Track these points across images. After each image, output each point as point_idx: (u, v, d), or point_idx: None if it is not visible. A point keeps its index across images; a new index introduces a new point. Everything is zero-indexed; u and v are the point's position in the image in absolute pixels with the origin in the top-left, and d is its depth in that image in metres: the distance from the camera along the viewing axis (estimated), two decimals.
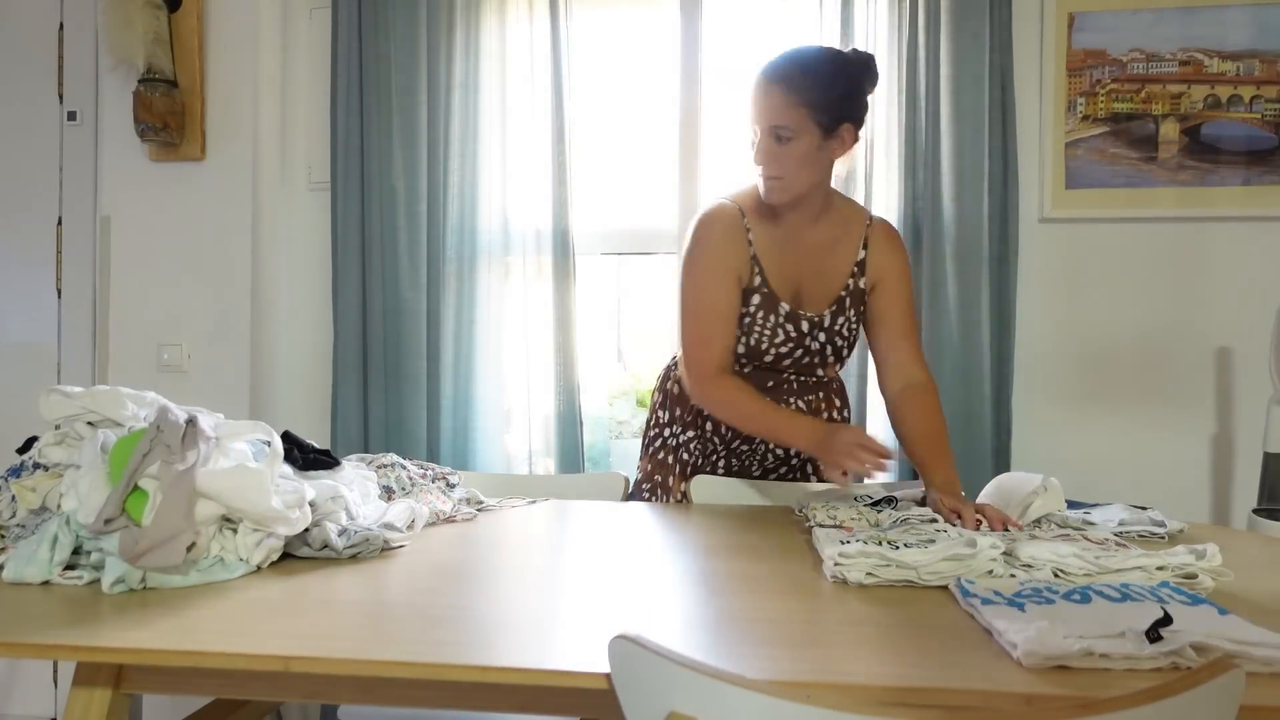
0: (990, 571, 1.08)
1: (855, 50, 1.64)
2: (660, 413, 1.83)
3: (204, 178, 2.49)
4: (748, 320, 1.67)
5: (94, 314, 2.53)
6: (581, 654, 0.84)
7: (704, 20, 2.55)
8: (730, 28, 2.57)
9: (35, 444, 1.23)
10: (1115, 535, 1.27)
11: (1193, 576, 1.06)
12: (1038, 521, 1.37)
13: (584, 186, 2.55)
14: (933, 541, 1.14)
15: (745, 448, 1.77)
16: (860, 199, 2.35)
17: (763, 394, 1.68)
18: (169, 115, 2.40)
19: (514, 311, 2.51)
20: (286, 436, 1.30)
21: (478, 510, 1.55)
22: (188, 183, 2.49)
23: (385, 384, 2.49)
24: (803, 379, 1.75)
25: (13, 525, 1.17)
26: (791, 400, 1.73)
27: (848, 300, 1.71)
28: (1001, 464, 2.30)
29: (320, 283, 2.62)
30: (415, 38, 2.48)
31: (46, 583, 1.07)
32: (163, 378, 2.48)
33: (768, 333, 1.67)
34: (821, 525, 1.34)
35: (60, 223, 2.55)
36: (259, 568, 1.14)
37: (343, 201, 2.51)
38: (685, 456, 1.78)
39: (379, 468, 1.52)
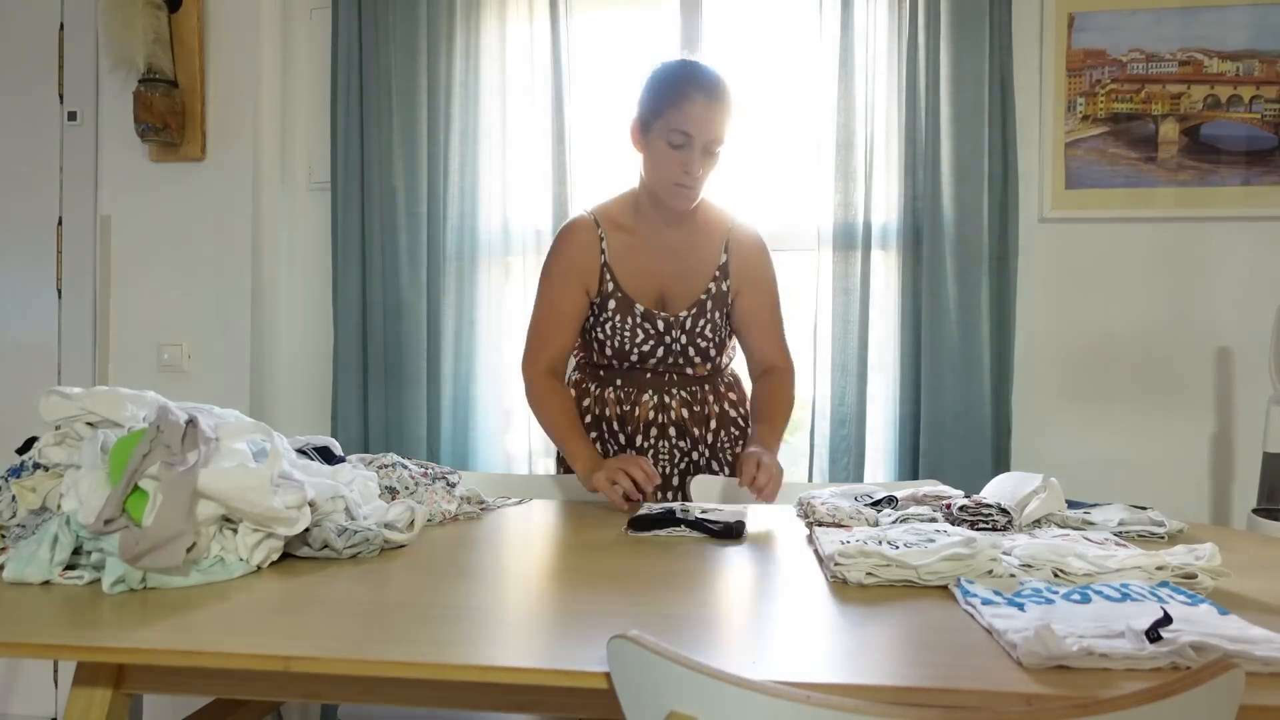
0: (990, 572, 1.08)
1: None
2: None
3: (204, 178, 2.49)
4: (609, 324, 1.76)
5: (94, 314, 2.53)
6: (581, 654, 0.84)
7: (704, 21, 2.55)
8: (730, 28, 2.57)
9: (35, 444, 1.23)
10: (1115, 535, 1.28)
11: (1192, 576, 1.06)
12: (1038, 521, 1.37)
13: (584, 187, 2.55)
14: (932, 541, 1.14)
15: (647, 445, 1.81)
16: (860, 199, 2.35)
17: (645, 388, 1.79)
18: (169, 115, 2.40)
19: (514, 312, 2.51)
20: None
21: (480, 509, 1.55)
22: (188, 183, 2.49)
23: (385, 384, 2.49)
24: (677, 375, 1.81)
25: (13, 525, 1.17)
26: (674, 391, 1.80)
27: (709, 303, 1.77)
28: (1001, 464, 2.30)
29: (320, 283, 2.62)
30: (415, 38, 2.48)
31: (47, 583, 1.07)
32: (163, 378, 2.48)
33: (627, 333, 1.76)
34: (821, 524, 1.34)
35: (60, 223, 2.55)
36: (259, 568, 1.14)
37: (343, 201, 2.51)
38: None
39: (380, 468, 1.52)
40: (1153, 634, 0.82)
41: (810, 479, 2.38)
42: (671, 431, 1.80)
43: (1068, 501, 1.44)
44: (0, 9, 2.56)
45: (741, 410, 1.87)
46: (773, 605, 1.01)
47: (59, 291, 2.55)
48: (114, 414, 1.21)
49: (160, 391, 1.34)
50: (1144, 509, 1.43)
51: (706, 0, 2.54)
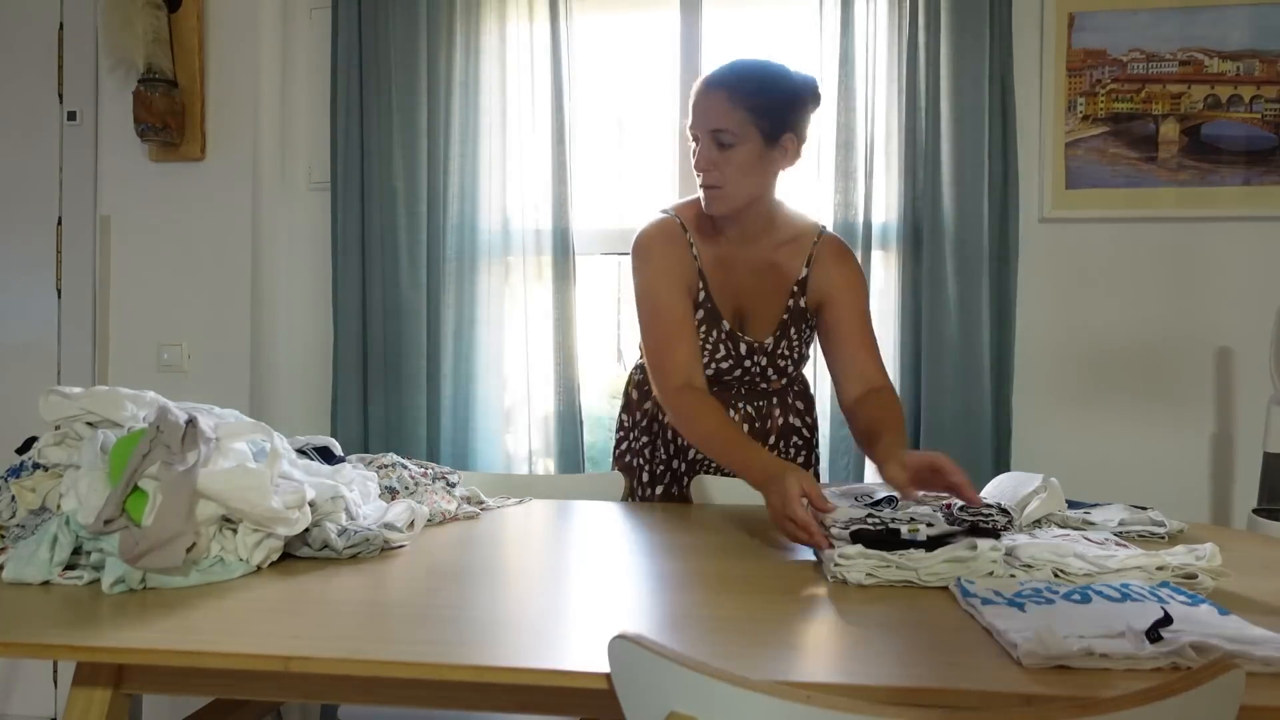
0: (991, 573, 1.08)
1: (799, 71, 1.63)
2: (624, 416, 1.84)
3: (204, 178, 2.49)
4: None
5: (94, 314, 2.53)
6: (581, 654, 0.84)
7: (704, 22, 2.55)
8: (730, 29, 2.57)
9: (35, 444, 1.23)
10: (1115, 535, 1.27)
11: (1193, 576, 1.06)
12: (1038, 521, 1.37)
13: (584, 186, 2.55)
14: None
15: (701, 456, 1.74)
16: (860, 199, 2.35)
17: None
18: (169, 115, 2.40)
19: (514, 311, 2.51)
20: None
21: (480, 509, 1.55)
22: (188, 183, 2.49)
23: (385, 384, 2.49)
24: (749, 387, 1.73)
25: (13, 525, 1.17)
26: (740, 405, 1.71)
27: (789, 323, 1.67)
28: (1001, 464, 2.30)
29: (320, 283, 2.62)
30: (415, 38, 2.48)
31: (46, 583, 1.07)
32: (163, 378, 2.48)
33: (709, 348, 1.65)
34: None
35: (60, 223, 2.55)
36: (259, 568, 1.14)
37: (343, 201, 2.51)
38: (641, 463, 1.78)
39: (380, 468, 1.52)
40: (1153, 634, 0.82)
41: None
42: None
43: (1068, 501, 1.44)
44: (0, 9, 2.56)
45: (806, 420, 1.78)
46: (773, 605, 1.01)
47: (59, 291, 2.55)
48: (114, 414, 1.21)
49: (160, 391, 1.34)
50: (1144, 509, 1.43)
51: (706, 0, 2.54)
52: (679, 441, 1.75)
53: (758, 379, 1.71)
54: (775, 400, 1.75)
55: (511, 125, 2.50)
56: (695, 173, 1.58)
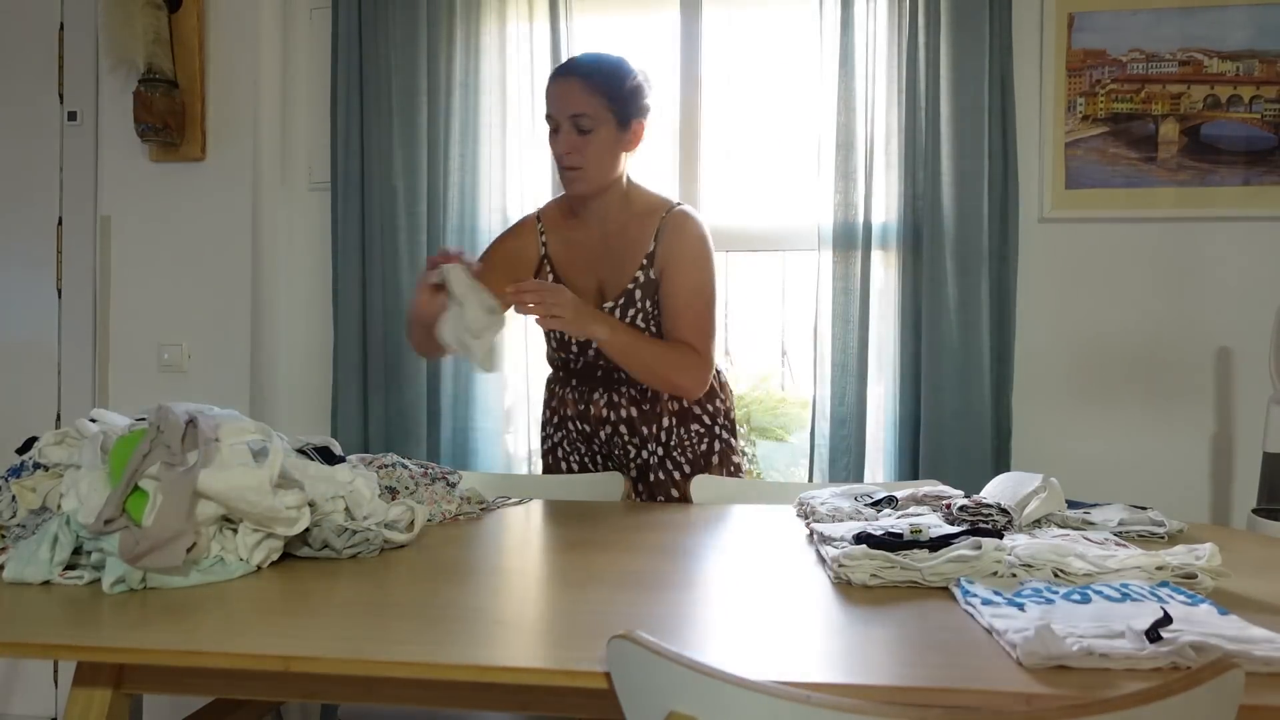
0: (995, 573, 1.08)
1: None
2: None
3: (204, 178, 2.49)
4: None
5: (94, 314, 2.53)
6: (581, 654, 0.84)
7: (704, 22, 2.55)
8: (730, 29, 2.57)
9: (35, 444, 1.23)
10: (1115, 535, 1.27)
11: (1192, 576, 1.06)
12: (1038, 521, 1.37)
13: None
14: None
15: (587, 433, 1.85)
16: (860, 199, 2.35)
17: (597, 386, 1.81)
18: (169, 115, 2.40)
19: (513, 311, 2.50)
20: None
21: (480, 509, 1.55)
22: (188, 183, 2.49)
23: (385, 384, 2.49)
24: (626, 371, 1.76)
25: (13, 525, 1.17)
26: (623, 389, 1.80)
27: (637, 291, 1.75)
28: (1001, 464, 2.30)
29: (320, 283, 2.62)
30: (415, 38, 2.48)
31: (46, 583, 1.07)
32: (163, 378, 2.48)
33: (559, 332, 1.76)
34: (820, 522, 1.34)
35: (60, 223, 2.55)
36: (259, 568, 1.14)
37: (343, 201, 2.51)
38: (567, 448, 1.90)
39: (380, 468, 1.52)
40: (1153, 634, 0.82)
41: (810, 479, 2.38)
42: (624, 429, 1.81)
43: (1068, 501, 1.44)
44: (0, 9, 2.56)
45: (708, 407, 1.83)
46: (773, 605, 1.01)
47: (59, 291, 2.55)
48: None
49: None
50: (1144, 509, 1.43)
51: (706, 1, 2.54)
52: (582, 436, 1.85)
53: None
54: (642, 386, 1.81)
55: (511, 125, 2.50)
56: (555, 157, 1.72)
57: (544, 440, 1.96)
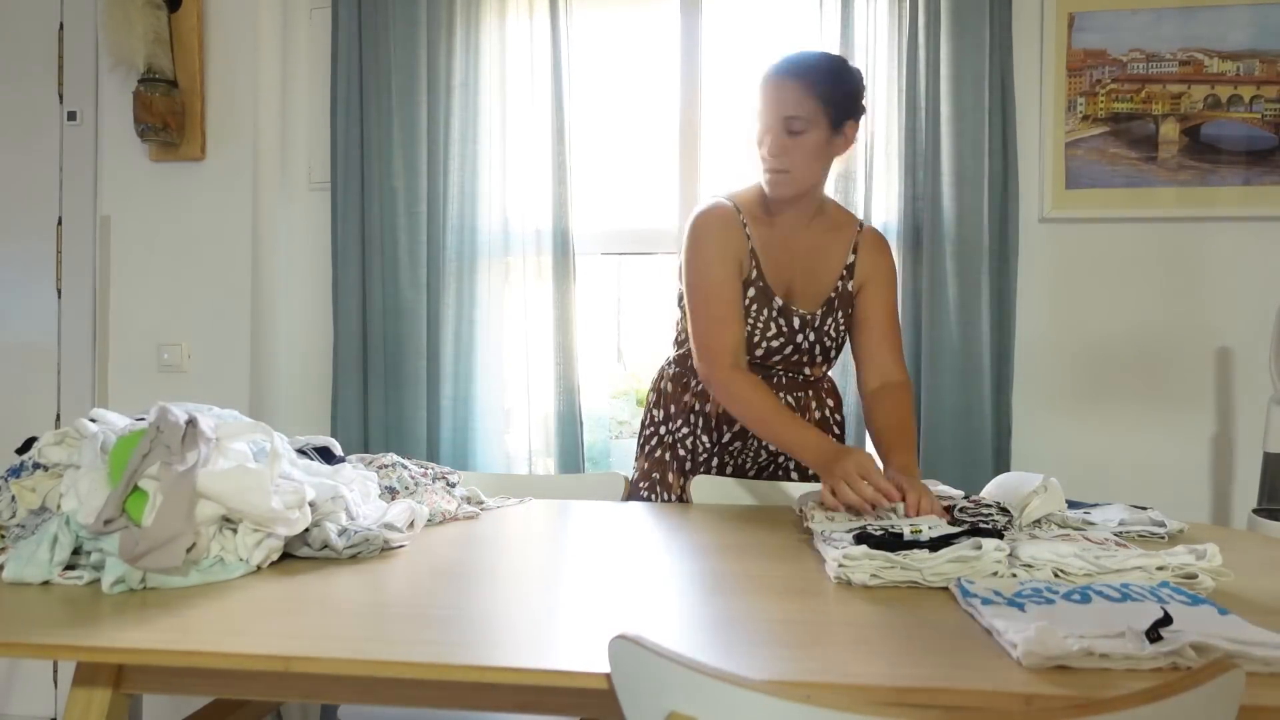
0: (995, 573, 1.08)
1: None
2: (655, 411, 1.85)
3: (204, 178, 2.49)
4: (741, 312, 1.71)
5: (94, 314, 2.53)
6: (581, 654, 0.84)
7: (704, 20, 2.55)
8: (730, 28, 2.57)
9: (35, 444, 1.23)
10: (1115, 535, 1.27)
11: (1193, 576, 1.06)
12: (1038, 521, 1.37)
13: (584, 186, 2.55)
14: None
15: (737, 444, 1.78)
16: (860, 199, 2.35)
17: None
18: (169, 115, 2.40)
19: (514, 311, 2.51)
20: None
21: (480, 509, 1.55)
22: (188, 183, 2.49)
23: (385, 384, 2.49)
24: (791, 375, 1.77)
25: (13, 525, 1.17)
26: (781, 395, 1.75)
27: (836, 302, 1.75)
28: (1001, 464, 2.30)
29: (320, 283, 2.62)
30: (415, 38, 2.48)
31: (46, 583, 1.07)
32: (163, 378, 2.48)
33: (760, 325, 1.70)
34: (818, 523, 1.34)
35: (60, 223, 2.55)
36: (259, 568, 1.14)
37: (343, 201, 2.52)
38: (681, 453, 1.80)
39: (380, 468, 1.52)
40: (1153, 634, 0.82)
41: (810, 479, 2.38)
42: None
43: (1068, 501, 1.44)
44: (0, 9, 2.56)
45: (836, 417, 1.84)
46: (773, 605, 1.01)
47: (59, 291, 2.55)
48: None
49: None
50: (1144, 509, 1.43)
51: (706, 0, 2.54)
52: (721, 428, 1.78)
53: (804, 360, 1.75)
54: (812, 393, 1.80)
55: (511, 125, 2.50)
56: (761, 157, 1.65)
57: (653, 433, 1.85)
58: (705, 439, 1.79)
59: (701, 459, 1.80)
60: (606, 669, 0.76)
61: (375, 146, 2.49)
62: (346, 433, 2.49)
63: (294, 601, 1.01)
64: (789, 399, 1.76)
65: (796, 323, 1.72)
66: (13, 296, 2.58)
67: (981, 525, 1.32)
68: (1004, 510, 1.34)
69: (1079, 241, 2.39)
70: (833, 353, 1.78)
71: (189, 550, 1.07)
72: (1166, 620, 0.84)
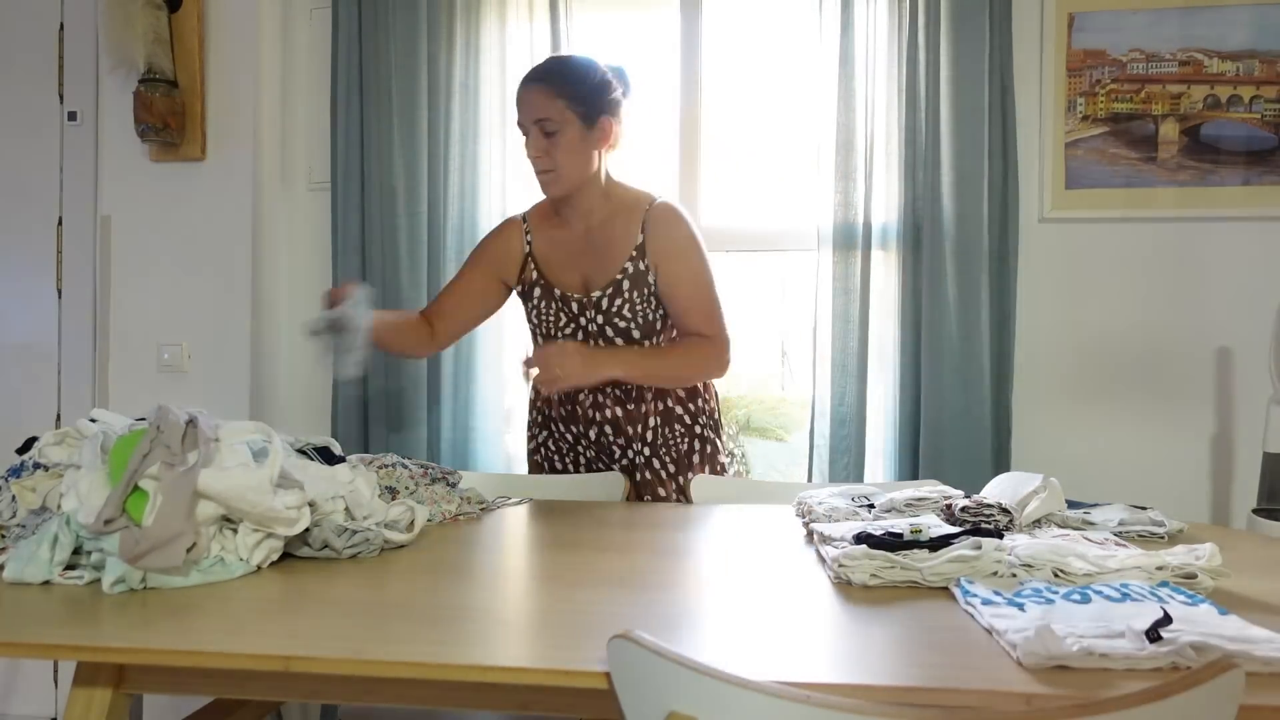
0: (995, 573, 1.08)
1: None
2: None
3: (204, 178, 2.49)
4: (535, 312, 1.87)
5: (94, 314, 2.53)
6: (581, 654, 0.84)
7: (704, 21, 2.55)
8: (730, 28, 2.57)
9: (35, 444, 1.23)
10: (1115, 535, 1.28)
11: (1192, 576, 1.06)
12: (1038, 521, 1.37)
13: None
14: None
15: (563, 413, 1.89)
16: (860, 199, 2.35)
17: (582, 387, 1.81)
18: (169, 115, 2.40)
19: (513, 312, 2.50)
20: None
21: (480, 509, 1.55)
22: (188, 183, 2.49)
23: (385, 384, 2.49)
24: None
25: (13, 525, 1.17)
26: (607, 389, 1.83)
27: (625, 282, 1.80)
28: (1001, 464, 2.30)
29: (320, 283, 2.61)
30: (415, 38, 2.48)
31: (46, 583, 1.08)
32: (163, 378, 2.47)
33: (550, 318, 1.85)
34: (817, 522, 1.34)
35: (60, 223, 2.55)
36: (259, 568, 1.14)
37: (343, 201, 2.51)
38: (560, 445, 1.93)
39: (380, 468, 1.52)
40: (1153, 634, 0.82)
41: (810, 479, 2.38)
42: (609, 430, 1.84)
43: (1068, 501, 1.44)
44: (0, 9, 2.56)
45: (689, 407, 1.87)
46: (773, 605, 1.01)
47: (59, 291, 2.55)
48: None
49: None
50: (1144, 509, 1.43)
51: (706, 0, 2.54)
52: (570, 435, 1.90)
53: (601, 343, 1.82)
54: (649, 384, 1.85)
55: (511, 125, 2.48)
56: (530, 160, 1.78)
57: (530, 440, 1.99)
58: (564, 443, 1.92)
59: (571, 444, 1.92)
60: (606, 668, 0.76)
61: (375, 146, 2.49)
62: (346, 433, 2.49)
63: (294, 601, 1.01)
64: (617, 390, 1.83)
65: (576, 306, 1.82)
66: (13, 296, 2.58)
67: (982, 525, 1.32)
68: (1004, 510, 1.34)
69: (1079, 241, 2.39)
70: (634, 333, 1.81)
71: (189, 550, 1.07)
72: (1166, 620, 0.84)
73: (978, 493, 1.50)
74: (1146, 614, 0.88)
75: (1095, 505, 1.49)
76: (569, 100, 1.73)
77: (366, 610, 0.97)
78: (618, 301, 1.79)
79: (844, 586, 1.08)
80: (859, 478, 2.33)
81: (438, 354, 2.48)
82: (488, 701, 0.94)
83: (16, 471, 1.22)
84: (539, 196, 2.47)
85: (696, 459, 1.87)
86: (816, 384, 2.38)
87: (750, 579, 1.13)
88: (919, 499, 1.42)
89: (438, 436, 2.48)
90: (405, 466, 1.54)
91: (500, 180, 2.50)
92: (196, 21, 2.44)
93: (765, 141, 2.56)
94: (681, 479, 1.83)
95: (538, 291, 1.86)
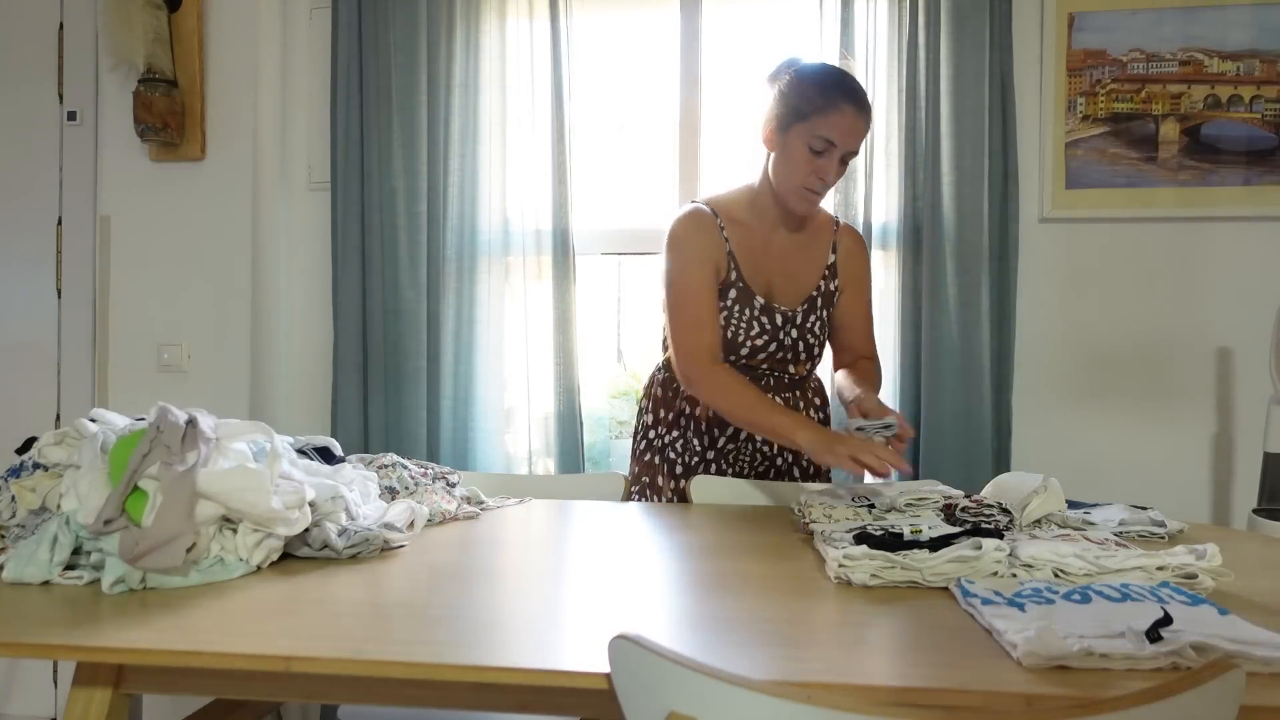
0: (995, 573, 1.08)
1: None
2: (646, 416, 1.87)
3: (204, 178, 2.49)
4: (725, 314, 1.73)
5: (94, 314, 2.53)
6: (581, 654, 0.84)
7: (704, 20, 2.55)
8: (730, 28, 2.57)
9: (35, 444, 1.23)
10: (1115, 535, 1.27)
11: (1193, 576, 1.06)
12: (1038, 521, 1.37)
13: (584, 186, 2.55)
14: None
15: (731, 447, 1.80)
16: (860, 199, 2.35)
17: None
18: (169, 115, 2.40)
19: (514, 311, 2.51)
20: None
21: (480, 509, 1.55)
22: (188, 183, 2.49)
23: (385, 384, 2.49)
24: (777, 375, 1.79)
25: (13, 525, 1.17)
26: (770, 397, 1.75)
27: (819, 300, 1.79)
28: (1001, 464, 2.30)
29: (320, 283, 2.62)
30: (415, 38, 2.48)
31: (46, 583, 1.07)
32: (163, 378, 2.48)
33: (744, 325, 1.73)
34: (817, 523, 1.34)
35: (60, 223, 2.55)
36: (259, 568, 1.14)
37: (343, 201, 2.51)
38: (671, 456, 1.81)
39: (380, 468, 1.52)
40: (1153, 634, 0.82)
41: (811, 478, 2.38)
42: (758, 435, 1.77)
43: (1068, 501, 1.44)
44: (0, 9, 2.56)
45: (821, 416, 1.87)
46: (773, 605, 1.01)
47: (59, 291, 2.55)
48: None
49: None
50: (1144, 509, 1.43)
51: (706, 1, 2.54)
52: (713, 432, 1.79)
53: (789, 357, 1.78)
54: (798, 393, 1.83)
55: (511, 125, 2.50)
56: (806, 172, 1.67)
57: (643, 436, 1.85)
58: (697, 443, 1.80)
59: (695, 463, 1.80)
60: (606, 669, 0.76)
61: (375, 146, 2.49)
62: (346, 433, 2.49)
63: (294, 601, 1.01)
64: (777, 399, 1.78)
65: (779, 320, 1.75)
66: (13, 296, 2.58)
67: (982, 525, 1.32)
68: (1004, 510, 1.34)
69: (1079, 241, 2.39)
70: (815, 350, 1.81)
71: (189, 550, 1.07)
72: (1166, 620, 0.84)
73: (978, 493, 1.50)
74: (1147, 614, 0.88)
75: (1095, 505, 1.49)
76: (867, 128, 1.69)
77: (366, 610, 0.97)
78: (811, 318, 1.78)
79: (844, 586, 1.08)
80: (859, 477, 2.32)
81: (437, 354, 2.49)
82: (487, 702, 0.94)
83: (16, 472, 1.22)
84: (543, 193, 2.48)
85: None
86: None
87: (750, 579, 1.13)
88: (919, 499, 1.41)
89: (438, 436, 2.48)
90: (405, 466, 1.54)
91: (500, 180, 2.50)
92: (196, 21, 2.44)
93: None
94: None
95: (733, 293, 1.74)
